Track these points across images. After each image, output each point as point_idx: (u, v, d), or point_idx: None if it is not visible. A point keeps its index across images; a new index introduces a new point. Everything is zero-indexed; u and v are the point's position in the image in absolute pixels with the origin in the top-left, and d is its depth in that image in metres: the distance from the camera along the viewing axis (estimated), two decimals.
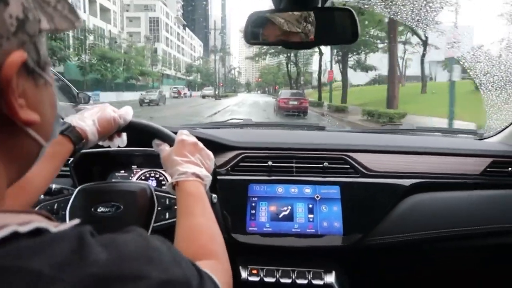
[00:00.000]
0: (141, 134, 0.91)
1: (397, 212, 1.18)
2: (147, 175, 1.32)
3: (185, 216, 0.70)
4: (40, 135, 0.40)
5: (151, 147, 0.91)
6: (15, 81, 0.34)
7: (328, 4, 1.02)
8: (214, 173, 0.92)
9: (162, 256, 0.38)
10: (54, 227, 0.34)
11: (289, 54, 34.13)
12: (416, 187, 1.22)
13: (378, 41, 24.08)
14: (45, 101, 0.40)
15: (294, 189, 1.20)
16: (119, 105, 0.95)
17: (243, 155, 1.27)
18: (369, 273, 1.29)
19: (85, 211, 0.89)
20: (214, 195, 0.97)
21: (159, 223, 0.91)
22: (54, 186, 1.01)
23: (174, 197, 0.79)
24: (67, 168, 1.13)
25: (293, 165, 1.26)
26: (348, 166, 1.26)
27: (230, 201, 1.17)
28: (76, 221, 0.38)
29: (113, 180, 1.28)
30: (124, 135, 0.93)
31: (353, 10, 0.95)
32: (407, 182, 1.22)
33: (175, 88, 45.76)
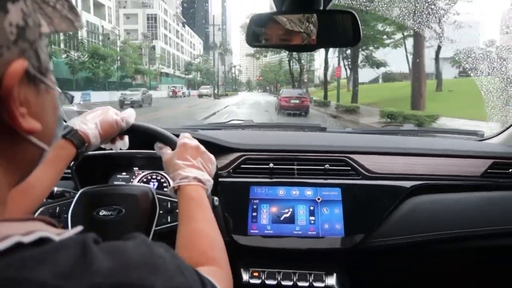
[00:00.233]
0: (143, 136, 0.91)
1: (398, 214, 1.18)
2: (149, 177, 1.32)
3: (187, 221, 0.70)
4: (43, 140, 0.40)
5: (153, 149, 0.91)
6: (16, 90, 0.33)
7: (330, 7, 1.02)
8: (216, 176, 0.92)
9: (167, 264, 0.38)
10: (57, 234, 0.34)
11: None
12: (417, 189, 1.22)
13: (384, 37, 21.67)
14: (47, 106, 0.40)
15: (295, 191, 1.20)
16: (112, 105, 0.94)
17: (244, 157, 1.27)
18: (370, 275, 1.29)
19: (87, 214, 0.89)
20: (215, 198, 0.98)
21: (160, 227, 0.91)
22: (56, 189, 1.01)
23: (176, 200, 0.79)
24: (69, 171, 1.13)
25: (295, 167, 1.26)
26: (349, 168, 1.26)
27: (232, 203, 1.17)
28: (79, 228, 0.38)
29: (115, 183, 1.29)
30: (126, 137, 0.93)
31: (355, 13, 0.95)
32: (408, 184, 1.22)
33: (173, 87, 44.25)
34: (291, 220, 1.16)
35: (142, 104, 22.82)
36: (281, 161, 1.27)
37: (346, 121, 13.75)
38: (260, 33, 1.03)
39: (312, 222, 1.16)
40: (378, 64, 26.06)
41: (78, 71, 26.62)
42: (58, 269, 0.30)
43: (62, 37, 24.31)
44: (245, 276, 1.13)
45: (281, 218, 1.17)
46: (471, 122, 9.83)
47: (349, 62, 24.89)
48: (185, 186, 0.76)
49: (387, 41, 22.47)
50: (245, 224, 1.15)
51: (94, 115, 0.85)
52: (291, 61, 36.27)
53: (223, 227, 1.11)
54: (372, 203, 1.18)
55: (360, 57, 23.95)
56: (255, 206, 1.18)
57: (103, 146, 0.90)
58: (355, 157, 1.28)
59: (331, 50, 23.55)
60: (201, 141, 0.88)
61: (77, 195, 0.93)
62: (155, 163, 1.17)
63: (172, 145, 0.87)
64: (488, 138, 1.57)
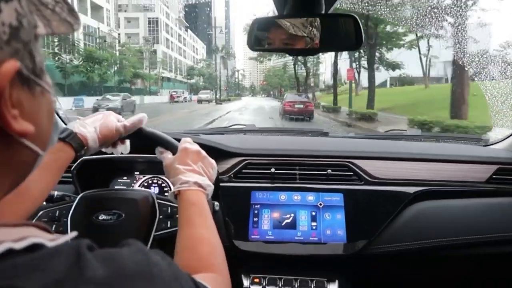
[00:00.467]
0: (144, 141, 0.90)
1: (401, 220, 1.16)
2: (150, 182, 1.31)
3: (186, 227, 0.69)
4: (37, 144, 0.39)
5: (154, 153, 0.90)
6: (7, 91, 0.32)
7: (331, 11, 1.01)
8: (217, 181, 0.92)
9: (163, 273, 0.37)
10: (51, 240, 0.33)
11: None
12: (421, 195, 1.21)
13: (393, 38, 20.08)
14: (42, 109, 0.39)
15: (297, 197, 1.19)
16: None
17: (246, 161, 1.26)
18: (373, 282, 1.27)
19: (87, 218, 0.89)
20: (216, 203, 0.97)
21: (160, 232, 0.91)
22: (56, 193, 1.01)
23: (176, 205, 0.78)
24: (70, 175, 1.13)
25: (297, 172, 1.25)
26: (351, 173, 1.25)
27: (233, 208, 1.16)
28: (74, 233, 0.37)
29: (116, 187, 1.28)
30: (127, 142, 0.93)
31: (357, 17, 0.95)
32: (411, 189, 1.21)
33: (174, 91, 42.26)
34: (292, 225, 1.15)
35: (122, 112, 20.93)
36: (283, 166, 1.26)
37: (364, 130, 11.84)
38: (262, 37, 1.03)
39: (314, 227, 1.14)
40: (393, 66, 23.88)
41: (70, 75, 24.74)
42: (50, 277, 0.29)
43: (51, 39, 22.10)
44: (246, 282, 1.11)
45: (283, 224, 1.15)
46: None
47: (357, 65, 23.44)
48: (186, 191, 0.75)
49: (403, 41, 20.89)
50: (246, 230, 1.14)
51: (94, 119, 0.85)
52: (296, 65, 34.80)
53: (223, 232, 1.10)
54: (374, 209, 1.17)
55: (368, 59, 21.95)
56: (256, 211, 1.17)
57: (104, 150, 0.90)
58: (358, 162, 1.27)
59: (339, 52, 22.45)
60: (202, 146, 0.88)
61: (77, 199, 0.92)
62: (156, 168, 1.16)
63: (173, 149, 0.87)
64: (493, 144, 1.55)
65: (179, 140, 0.87)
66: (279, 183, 1.23)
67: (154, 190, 1.30)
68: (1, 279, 0.28)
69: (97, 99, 22.21)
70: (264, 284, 1.10)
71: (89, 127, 0.82)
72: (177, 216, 0.80)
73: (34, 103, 0.37)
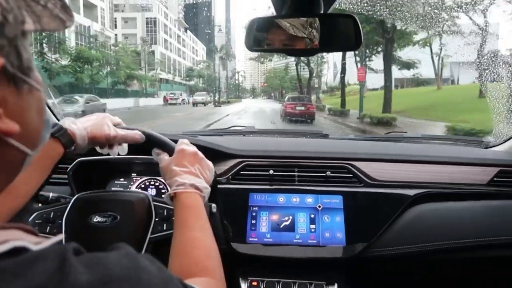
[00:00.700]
0: (141, 142, 0.89)
1: (401, 223, 1.15)
2: (147, 184, 1.30)
3: (182, 229, 0.68)
4: (24, 143, 0.37)
5: (151, 155, 0.89)
6: None
7: (330, 11, 1.00)
8: (214, 183, 0.90)
9: (151, 278, 0.36)
10: (36, 244, 0.32)
11: None
12: (421, 197, 1.19)
13: (407, 34, 18.13)
14: (30, 108, 0.37)
15: (295, 199, 1.18)
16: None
17: (244, 163, 1.25)
18: (372, 285, 1.26)
19: (81, 220, 0.88)
20: (213, 205, 0.96)
21: (156, 235, 0.90)
22: (51, 194, 0.99)
23: (173, 208, 0.77)
24: (66, 176, 1.12)
25: (295, 174, 1.24)
26: (351, 175, 1.23)
27: (230, 211, 1.15)
28: (60, 236, 0.36)
29: (112, 189, 1.27)
30: (125, 143, 0.91)
31: (356, 17, 0.94)
32: (411, 192, 1.20)
33: (171, 93, 40.44)
34: (291, 228, 1.14)
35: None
36: (282, 167, 1.25)
37: None
38: (261, 38, 1.02)
39: (313, 230, 1.13)
40: (408, 65, 22.06)
41: (57, 75, 22.82)
42: (32, 282, 0.28)
43: (37, 37, 20.57)
44: (244, 286, 1.10)
45: (281, 226, 1.14)
46: None
47: (363, 65, 21.13)
48: (182, 193, 0.74)
49: (415, 38, 19.05)
50: (243, 232, 1.13)
51: (87, 119, 0.83)
52: (299, 65, 33.63)
53: (221, 234, 1.09)
54: (374, 211, 1.16)
55: (375, 58, 20.28)
56: (254, 214, 1.16)
57: (100, 150, 0.89)
58: (357, 164, 1.25)
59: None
60: (200, 147, 0.87)
61: (72, 201, 0.91)
62: (154, 169, 1.15)
63: (170, 151, 0.85)
64: (494, 146, 1.54)
65: (176, 142, 0.86)
66: (278, 185, 1.21)
67: (151, 192, 1.29)
68: None
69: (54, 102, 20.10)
70: (262, 287, 1.09)
71: (79, 125, 0.80)
72: (173, 218, 0.79)
73: (21, 101, 0.36)
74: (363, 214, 1.15)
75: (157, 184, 1.30)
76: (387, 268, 1.21)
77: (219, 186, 1.15)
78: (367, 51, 19.39)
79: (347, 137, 1.80)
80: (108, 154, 0.91)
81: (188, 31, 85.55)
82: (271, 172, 1.22)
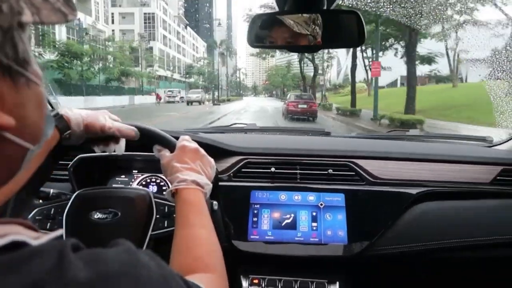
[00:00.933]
0: (142, 138, 0.89)
1: (404, 222, 1.14)
2: (148, 180, 1.30)
3: (183, 226, 0.67)
4: (23, 138, 0.37)
5: (152, 152, 0.89)
6: None
7: (333, 7, 0.99)
8: (216, 180, 0.90)
9: (151, 274, 0.36)
10: (35, 239, 0.32)
11: None
12: (424, 196, 1.19)
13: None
14: (28, 101, 0.36)
15: (297, 197, 1.17)
16: None
17: (245, 160, 1.24)
18: (374, 284, 1.26)
19: (82, 217, 0.87)
20: (214, 202, 0.95)
21: (157, 231, 0.89)
22: (52, 190, 0.99)
23: (174, 204, 0.77)
24: (66, 173, 1.11)
25: (297, 171, 1.23)
26: (353, 173, 1.23)
27: (232, 208, 1.14)
28: (60, 231, 0.36)
29: (113, 186, 1.27)
30: (122, 141, 0.88)
31: (359, 13, 0.93)
32: (414, 190, 1.19)
33: (169, 91, 39.28)
34: (292, 226, 1.13)
35: None
36: (283, 165, 1.24)
37: None
38: (264, 35, 1.01)
39: (315, 228, 1.12)
40: (428, 60, 19.42)
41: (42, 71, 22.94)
42: (31, 277, 0.28)
43: None
44: (245, 284, 1.10)
45: (283, 224, 1.14)
46: None
47: (370, 61, 19.89)
48: (183, 190, 0.74)
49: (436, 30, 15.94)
50: (245, 230, 1.12)
51: (84, 110, 0.81)
52: (302, 61, 31.82)
53: (222, 232, 1.08)
54: (376, 210, 1.15)
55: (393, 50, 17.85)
56: (255, 211, 1.15)
57: (95, 148, 0.87)
58: (360, 162, 1.24)
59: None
60: (201, 144, 0.86)
61: (72, 197, 0.91)
62: (155, 166, 1.14)
63: (171, 147, 0.85)
64: (497, 144, 1.53)
65: (177, 138, 0.86)
66: (279, 183, 1.21)
67: (152, 188, 1.28)
68: None
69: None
70: (263, 285, 1.09)
71: (75, 111, 0.78)
72: (174, 215, 0.79)
73: (17, 94, 0.35)
74: (365, 212, 1.14)
75: (158, 181, 1.30)
76: (389, 267, 1.21)
77: (220, 183, 1.14)
78: (383, 43, 17.58)
79: (349, 135, 1.79)
80: (104, 151, 0.90)
81: (188, 27, 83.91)
82: (273, 169, 1.22)
